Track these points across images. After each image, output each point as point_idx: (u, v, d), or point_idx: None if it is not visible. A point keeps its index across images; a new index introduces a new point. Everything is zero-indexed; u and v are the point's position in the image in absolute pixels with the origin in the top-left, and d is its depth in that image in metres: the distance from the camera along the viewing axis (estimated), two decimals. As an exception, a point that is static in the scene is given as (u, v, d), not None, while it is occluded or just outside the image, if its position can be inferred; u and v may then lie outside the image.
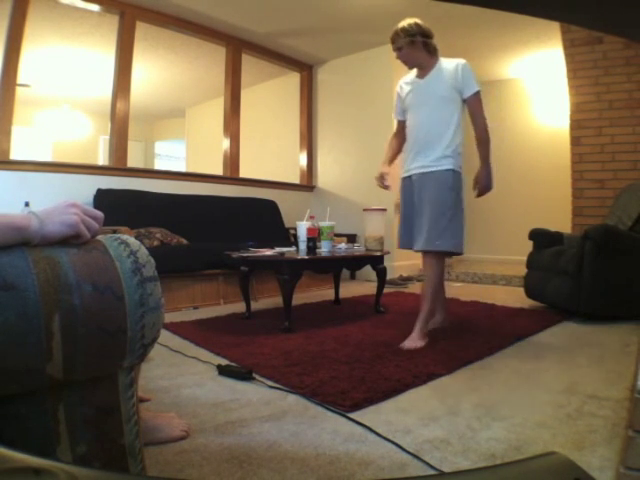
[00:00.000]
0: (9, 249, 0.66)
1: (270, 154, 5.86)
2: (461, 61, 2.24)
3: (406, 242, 2.40)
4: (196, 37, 4.41)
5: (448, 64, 2.25)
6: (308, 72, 5.42)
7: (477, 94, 2.23)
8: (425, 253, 2.24)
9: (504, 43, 4.65)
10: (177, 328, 2.53)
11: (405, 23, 2.24)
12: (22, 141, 5.51)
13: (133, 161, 5.23)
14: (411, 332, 2.17)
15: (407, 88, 2.38)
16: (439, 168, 2.23)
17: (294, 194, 5.20)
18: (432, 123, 2.25)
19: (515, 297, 3.50)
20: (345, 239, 3.72)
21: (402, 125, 2.47)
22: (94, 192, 3.45)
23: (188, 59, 5.15)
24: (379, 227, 3.30)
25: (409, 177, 2.36)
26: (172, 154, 8.32)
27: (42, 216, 0.70)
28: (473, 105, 2.25)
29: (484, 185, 2.35)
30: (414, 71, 2.37)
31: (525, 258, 3.35)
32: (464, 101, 2.25)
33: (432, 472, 1.05)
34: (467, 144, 2.47)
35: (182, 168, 7.26)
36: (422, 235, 2.20)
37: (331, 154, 5.36)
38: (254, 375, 1.73)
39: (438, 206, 2.19)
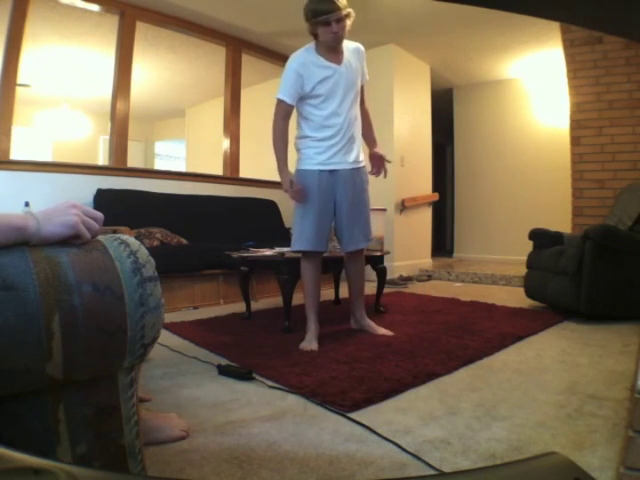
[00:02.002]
0: (9, 249, 0.66)
1: (270, 154, 5.83)
2: (360, 46, 2.24)
3: (323, 243, 2.23)
4: (196, 37, 4.41)
5: (351, 48, 2.21)
6: (308, 72, 5.41)
7: None
8: (361, 250, 2.33)
9: (504, 43, 4.65)
10: (177, 328, 2.53)
11: None
12: (22, 141, 5.50)
13: (133, 161, 5.23)
14: (393, 330, 2.36)
15: (320, 73, 2.10)
16: (361, 164, 2.28)
17: (294, 194, 5.19)
18: (355, 116, 2.22)
19: (515, 297, 3.50)
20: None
21: (291, 111, 2.17)
22: (94, 192, 3.44)
23: (188, 59, 5.15)
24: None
25: (331, 171, 2.20)
26: (172, 154, 8.32)
27: (42, 217, 0.70)
28: (364, 90, 2.30)
29: (385, 161, 2.32)
30: (311, 50, 2.12)
31: (525, 258, 3.35)
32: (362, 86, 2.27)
33: (432, 472, 1.05)
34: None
35: (182, 168, 7.26)
36: (362, 232, 2.26)
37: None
38: (254, 375, 1.73)
39: (368, 203, 2.32)
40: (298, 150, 2.25)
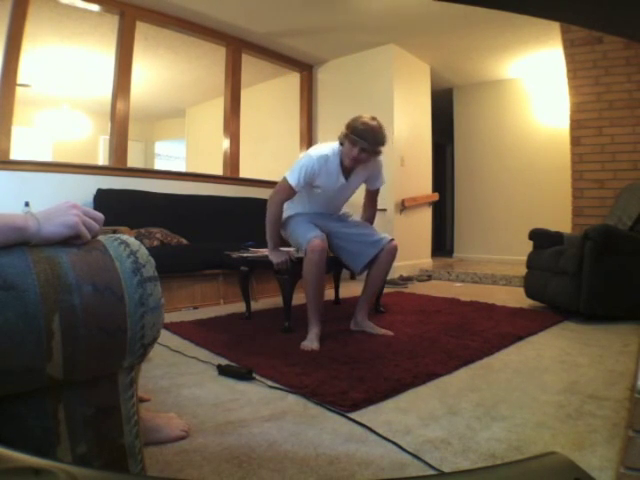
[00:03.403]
0: (9, 249, 0.66)
1: (270, 154, 5.86)
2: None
3: (321, 234, 2.31)
4: (196, 37, 4.41)
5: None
6: (308, 72, 5.42)
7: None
8: (390, 247, 2.45)
9: (504, 43, 4.65)
10: (177, 328, 2.53)
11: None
12: (22, 141, 5.50)
13: (133, 161, 5.23)
14: (386, 328, 2.41)
15: (329, 178, 2.31)
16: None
17: (294, 194, 5.20)
18: (343, 203, 2.62)
19: (515, 297, 3.50)
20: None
21: (291, 197, 2.33)
22: (94, 192, 3.44)
23: (188, 59, 5.15)
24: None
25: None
26: (172, 154, 8.32)
27: (42, 217, 0.70)
28: (377, 194, 2.62)
29: None
30: (337, 154, 2.27)
31: (525, 258, 3.35)
32: (375, 190, 2.58)
33: (432, 472, 1.05)
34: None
35: (182, 168, 7.26)
36: (378, 236, 2.46)
37: (331, 154, 5.36)
38: (254, 375, 1.73)
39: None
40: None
